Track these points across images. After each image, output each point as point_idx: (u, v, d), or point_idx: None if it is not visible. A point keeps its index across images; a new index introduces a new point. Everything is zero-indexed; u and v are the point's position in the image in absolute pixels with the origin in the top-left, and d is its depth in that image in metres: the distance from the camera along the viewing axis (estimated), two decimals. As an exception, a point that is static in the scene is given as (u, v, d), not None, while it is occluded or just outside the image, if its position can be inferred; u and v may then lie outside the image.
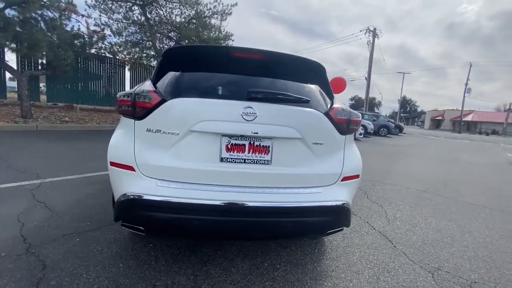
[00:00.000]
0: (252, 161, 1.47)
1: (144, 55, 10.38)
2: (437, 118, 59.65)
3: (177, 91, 1.52)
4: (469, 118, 50.18)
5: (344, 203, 1.58)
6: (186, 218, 1.40)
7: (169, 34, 10.26)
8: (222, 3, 9.98)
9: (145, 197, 1.40)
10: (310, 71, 1.79)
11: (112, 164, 1.53)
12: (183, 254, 1.92)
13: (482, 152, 12.55)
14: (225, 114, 1.43)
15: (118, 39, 9.56)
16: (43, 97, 10.21)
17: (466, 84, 44.00)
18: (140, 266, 1.75)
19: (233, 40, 10.69)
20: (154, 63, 11.00)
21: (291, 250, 2.13)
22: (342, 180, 1.61)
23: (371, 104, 62.09)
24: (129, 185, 1.46)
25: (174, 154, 1.45)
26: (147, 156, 1.46)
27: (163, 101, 1.45)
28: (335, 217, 1.56)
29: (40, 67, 8.17)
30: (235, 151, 1.46)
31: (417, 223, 2.95)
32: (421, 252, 2.30)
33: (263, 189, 1.47)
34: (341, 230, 1.74)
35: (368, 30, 28.90)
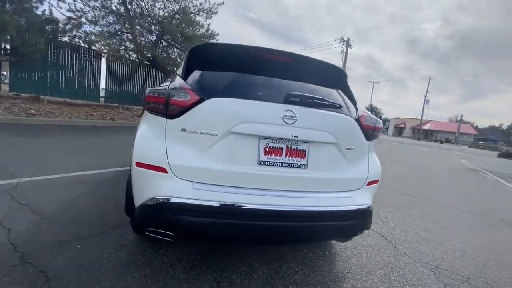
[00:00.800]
0: (289, 164, 1.45)
1: (123, 47, 9.76)
2: (399, 126, 64.34)
3: (213, 90, 1.45)
4: (427, 126, 54.84)
5: (369, 206, 1.63)
6: (223, 222, 1.33)
7: (151, 28, 9.79)
8: (209, 1, 9.82)
9: (180, 200, 1.31)
10: (336, 76, 1.82)
11: (139, 165, 1.41)
12: (198, 260, 1.84)
13: (442, 159, 13.80)
14: (266, 116, 1.40)
15: (94, 28, 8.90)
16: (5, 87, 9.09)
17: (426, 96, 48.11)
18: (157, 274, 1.64)
19: (217, 40, 10.55)
20: (134, 56, 10.43)
21: (304, 253, 2.14)
22: (367, 185, 1.66)
23: None
24: (160, 188, 1.35)
25: (211, 156, 1.38)
26: (181, 157, 1.37)
27: (201, 100, 1.37)
28: (363, 220, 1.60)
29: (2, 52, 7.27)
30: (273, 154, 1.43)
31: (408, 224, 3.14)
32: (418, 252, 2.45)
33: (299, 193, 1.46)
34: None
35: (342, 40, 30.47)
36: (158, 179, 1.37)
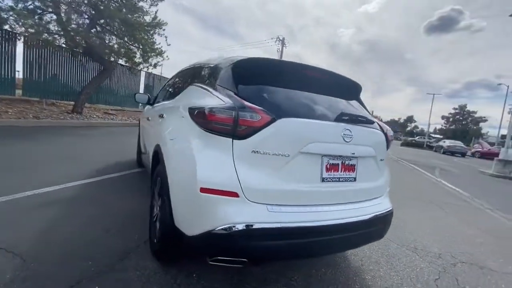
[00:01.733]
0: (343, 179, 1.55)
1: (45, 30, 7.91)
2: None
3: (277, 109, 1.41)
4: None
5: (392, 209, 1.88)
6: (298, 242, 1.35)
7: (81, 9, 8.24)
8: (155, -14, 8.85)
9: (258, 225, 1.26)
10: (356, 89, 1.99)
11: (205, 190, 1.28)
12: (237, 279, 1.78)
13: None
14: (329, 135, 1.46)
15: (2, 2, 6.93)
16: None
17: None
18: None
19: (164, 30, 9.67)
20: (62, 42, 8.61)
21: (333, 256, 2.29)
22: (387, 190, 1.91)
23: None
24: (233, 214, 1.27)
25: (282, 176, 1.36)
26: (253, 179, 1.31)
27: (272, 120, 1.33)
28: (389, 222, 1.84)
29: None
30: (332, 171, 1.50)
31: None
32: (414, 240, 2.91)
33: (351, 204, 1.58)
34: None
35: (278, 39, 32.04)
36: (229, 205, 1.28)
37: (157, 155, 1.96)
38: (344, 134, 1.50)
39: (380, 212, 1.71)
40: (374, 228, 1.68)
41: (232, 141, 1.33)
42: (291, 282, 1.83)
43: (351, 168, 1.59)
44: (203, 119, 1.39)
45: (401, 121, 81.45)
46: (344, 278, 1.98)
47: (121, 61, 10.28)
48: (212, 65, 1.81)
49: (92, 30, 8.63)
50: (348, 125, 1.54)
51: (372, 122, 1.78)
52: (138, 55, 9.61)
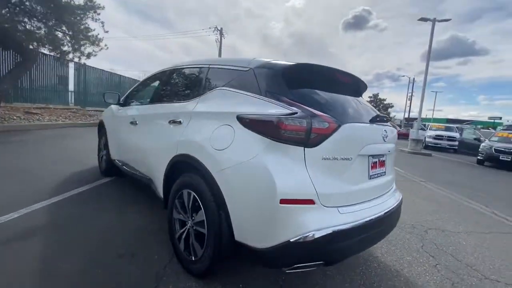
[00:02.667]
0: (379, 174, 1.73)
1: None
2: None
3: (338, 115, 1.46)
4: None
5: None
6: (364, 237, 1.47)
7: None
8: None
9: (334, 228, 1.32)
10: (364, 89, 2.18)
11: (285, 201, 1.27)
12: (283, 282, 1.83)
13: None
14: (376, 137, 1.61)
15: None
16: None
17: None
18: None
19: (99, 14, 8.29)
20: None
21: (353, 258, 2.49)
22: None
23: None
24: (311, 221, 1.30)
25: (345, 179, 1.44)
26: (325, 185, 1.35)
27: (338, 126, 1.38)
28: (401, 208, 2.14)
29: None
30: (374, 168, 1.66)
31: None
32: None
33: (385, 195, 1.78)
34: None
35: (216, 29, 31.30)
36: (307, 212, 1.31)
37: (187, 165, 1.81)
38: (383, 134, 1.68)
39: (400, 197, 1.98)
40: (399, 211, 1.94)
41: (304, 149, 1.35)
42: (331, 279, 1.97)
43: (383, 163, 1.79)
44: (273, 128, 1.35)
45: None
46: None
47: (44, 50, 8.47)
48: (245, 69, 1.72)
49: (3, 11, 6.82)
50: (384, 125, 1.72)
51: (388, 120, 2.02)
52: (67, 42, 8.10)
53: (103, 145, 3.70)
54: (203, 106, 1.83)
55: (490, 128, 31.81)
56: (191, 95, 2.08)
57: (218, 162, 1.50)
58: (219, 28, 30.65)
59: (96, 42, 8.30)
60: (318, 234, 1.30)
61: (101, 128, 3.90)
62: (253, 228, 1.39)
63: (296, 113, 1.36)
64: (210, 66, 2.04)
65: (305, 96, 1.51)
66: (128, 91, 3.34)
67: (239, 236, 1.44)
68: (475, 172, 8.85)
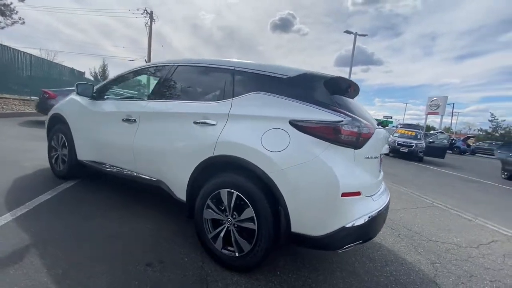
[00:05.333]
0: (380, 170, 2.17)
1: None
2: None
3: (368, 121, 1.78)
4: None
5: None
6: (382, 220, 1.86)
7: None
8: None
9: (373, 213, 1.66)
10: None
11: (344, 195, 1.53)
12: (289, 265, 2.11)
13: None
14: (385, 139, 2.00)
15: None
16: None
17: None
18: None
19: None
20: None
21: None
22: None
23: None
24: (360, 209, 1.61)
25: (372, 174, 1.79)
26: (365, 179, 1.68)
27: (373, 131, 1.71)
28: None
29: None
30: (380, 165, 2.08)
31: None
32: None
33: (382, 186, 2.23)
34: None
35: (145, 12, 28.46)
36: (356, 202, 1.61)
37: (227, 166, 1.86)
38: (385, 136, 2.11)
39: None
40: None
41: (354, 151, 1.63)
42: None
43: (381, 160, 2.25)
44: (332, 133, 1.57)
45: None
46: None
47: None
48: (284, 76, 1.87)
49: None
50: (383, 128, 2.16)
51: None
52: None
53: (61, 144, 3.15)
54: (241, 109, 1.89)
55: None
56: (218, 96, 2.08)
57: (275, 163, 1.63)
58: (149, 11, 27.99)
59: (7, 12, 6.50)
60: (364, 219, 1.63)
61: (55, 124, 3.28)
62: (312, 219, 1.60)
63: (350, 120, 1.63)
64: (236, 68, 2.09)
65: (342, 105, 1.78)
66: (103, 83, 2.93)
67: (296, 227, 1.62)
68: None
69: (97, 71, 51.10)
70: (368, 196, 1.73)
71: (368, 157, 1.76)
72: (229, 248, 1.85)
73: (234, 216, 1.82)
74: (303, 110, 1.70)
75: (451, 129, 46.52)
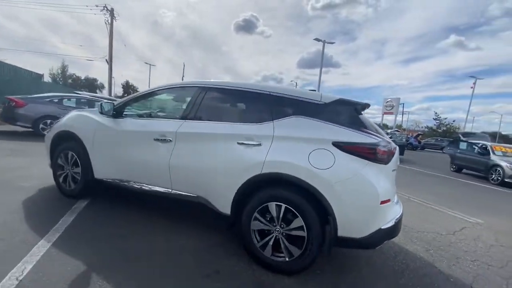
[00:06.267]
0: None
1: None
2: (162, 104, 69.83)
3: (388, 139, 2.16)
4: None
5: None
6: (400, 221, 2.24)
7: None
8: None
9: (398, 215, 2.05)
10: None
11: (382, 202, 1.88)
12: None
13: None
14: None
15: None
16: None
17: (182, 79, 55.99)
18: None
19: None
20: None
21: None
22: None
23: (93, 86, 57.23)
24: (391, 213, 2.00)
25: (393, 183, 2.17)
26: (392, 187, 2.05)
27: (395, 149, 2.08)
28: None
29: None
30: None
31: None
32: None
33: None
34: None
35: (105, 8, 26.72)
36: (388, 208, 1.98)
37: (274, 182, 2.10)
38: (398, 151, 2.54)
39: None
40: None
41: (384, 166, 1.99)
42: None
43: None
44: (371, 153, 1.90)
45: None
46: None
47: None
48: (320, 102, 2.16)
49: None
50: None
51: None
52: None
53: (72, 162, 3.06)
54: (284, 131, 2.13)
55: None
56: (257, 118, 2.27)
57: (324, 179, 1.92)
58: (110, 8, 26.27)
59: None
60: (394, 220, 2.01)
61: (62, 142, 3.17)
62: (356, 224, 1.92)
63: (382, 141, 1.99)
64: (271, 93, 2.33)
65: (369, 126, 2.14)
66: (123, 100, 2.92)
67: (342, 232, 1.93)
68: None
69: (55, 72, 46.14)
70: (394, 202, 2.12)
71: (393, 170, 2.15)
72: (279, 254, 2.09)
73: (282, 226, 2.07)
74: (343, 133, 2.02)
75: (402, 126, 51.62)
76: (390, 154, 2.04)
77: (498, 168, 8.97)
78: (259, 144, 2.16)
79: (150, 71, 44.75)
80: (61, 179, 3.18)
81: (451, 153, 11.89)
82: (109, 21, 26.20)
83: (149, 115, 2.89)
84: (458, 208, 4.95)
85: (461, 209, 4.90)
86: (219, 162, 2.29)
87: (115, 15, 26.70)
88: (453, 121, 39.98)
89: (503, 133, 49.64)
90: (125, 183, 2.77)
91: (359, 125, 2.08)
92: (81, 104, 8.53)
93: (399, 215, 2.10)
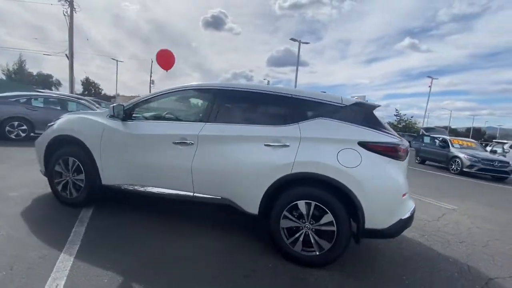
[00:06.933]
0: None
1: None
2: (129, 103, 66.20)
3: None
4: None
5: None
6: (414, 212, 2.49)
7: None
8: None
9: (412, 207, 2.28)
10: None
11: (403, 195, 2.10)
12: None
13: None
14: None
15: None
16: None
17: (150, 76, 53.41)
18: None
19: None
20: None
21: None
22: None
23: (48, 83, 52.36)
24: (408, 205, 2.22)
25: (406, 178, 2.40)
26: (406, 182, 2.26)
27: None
28: None
29: None
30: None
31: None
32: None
33: None
34: None
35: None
36: (406, 200, 2.19)
37: (304, 181, 2.20)
38: None
39: None
40: None
41: (402, 162, 2.19)
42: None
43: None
44: (393, 151, 2.09)
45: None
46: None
47: None
48: (341, 105, 2.30)
49: None
50: None
51: None
52: None
53: (73, 169, 2.86)
54: (310, 132, 2.24)
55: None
56: (281, 120, 2.35)
57: (353, 176, 2.06)
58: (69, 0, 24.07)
59: None
60: (411, 211, 2.24)
61: (60, 147, 2.94)
62: (381, 216, 2.10)
63: (401, 140, 2.19)
64: (293, 96, 2.42)
65: (386, 127, 2.34)
66: (132, 103, 2.79)
67: (368, 224, 2.10)
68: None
69: (11, 69, 41.27)
70: (408, 195, 2.34)
71: (407, 166, 2.37)
72: (308, 249, 2.21)
73: (311, 222, 2.19)
74: (367, 134, 2.18)
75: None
76: (407, 152, 2.27)
77: (457, 159, 10.08)
78: (287, 145, 2.25)
79: (117, 67, 41.91)
80: (59, 187, 2.95)
81: (416, 147, 13.06)
82: (69, 12, 24.20)
83: (164, 118, 2.82)
84: (432, 196, 5.51)
85: (434, 197, 5.46)
86: (246, 164, 2.33)
87: (75, 7, 24.73)
88: (411, 116, 43.57)
89: (452, 127, 55.45)
90: (138, 188, 2.68)
91: (379, 125, 2.27)
92: (50, 103, 7.81)
93: (413, 207, 2.33)
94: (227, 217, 3.05)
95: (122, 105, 2.72)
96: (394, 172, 2.15)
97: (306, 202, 2.18)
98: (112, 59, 42.47)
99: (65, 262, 1.94)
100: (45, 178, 3.06)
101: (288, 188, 2.25)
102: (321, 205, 2.14)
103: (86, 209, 2.89)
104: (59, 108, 7.61)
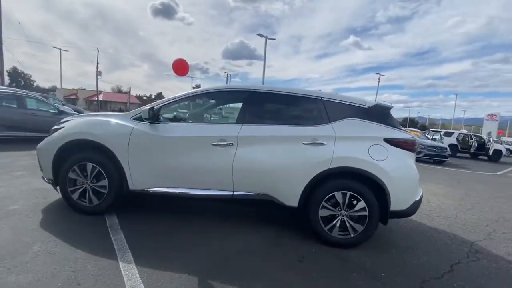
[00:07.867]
0: None
1: None
2: (71, 97, 58.85)
3: None
4: (100, 98, 56.34)
5: None
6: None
7: None
8: None
9: (421, 191, 2.76)
10: None
11: (418, 181, 2.54)
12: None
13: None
14: None
15: None
16: None
17: (97, 67, 48.30)
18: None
19: None
20: None
21: None
22: None
23: None
24: (420, 188, 2.68)
25: None
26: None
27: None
28: None
29: None
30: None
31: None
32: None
33: None
34: None
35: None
36: (418, 184, 2.66)
37: (341, 175, 2.49)
38: None
39: None
40: None
41: (414, 154, 2.65)
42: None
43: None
44: (411, 146, 2.50)
45: (153, 97, 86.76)
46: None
47: None
48: (365, 106, 2.63)
49: None
50: None
51: None
52: None
53: (93, 175, 2.70)
54: (343, 131, 2.54)
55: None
56: (315, 121, 2.61)
57: (383, 168, 2.43)
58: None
59: None
60: (421, 194, 2.72)
61: (75, 152, 2.74)
62: (402, 200, 2.51)
63: (414, 136, 2.63)
64: (322, 98, 2.69)
65: (399, 125, 2.77)
66: (159, 104, 2.72)
67: (393, 207, 2.50)
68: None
69: None
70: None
71: (415, 156, 2.85)
72: (344, 232, 2.54)
73: (346, 209, 2.52)
74: (390, 131, 2.57)
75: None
76: (418, 145, 2.74)
77: (408, 147, 11.64)
78: (323, 144, 2.52)
79: (61, 56, 36.74)
80: (76, 195, 2.76)
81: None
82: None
83: (196, 120, 2.83)
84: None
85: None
86: (287, 161, 2.53)
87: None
88: (360, 109, 47.82)
89: (392, 118, 62.22)
90: (171, 190, 2.68)
91: (396, 124, 2.69)
92: (2, 100, 6.68)
93: (422, 190, 2.83)
94: (255, 212, 3.23)
95: (152, 107, 2.65)
96: (411, 162, 2.60)
97: (342, 193, 2.49)
98: (55, 47, 37.14)
99: (130, 270, 1.93)
100: (39, 187, 2.83)
101: (326, 182, 2.53)
102: (355, 194, 2.48)
103: (108, 216, 2.77)
104: (14, 106, 6.60)
